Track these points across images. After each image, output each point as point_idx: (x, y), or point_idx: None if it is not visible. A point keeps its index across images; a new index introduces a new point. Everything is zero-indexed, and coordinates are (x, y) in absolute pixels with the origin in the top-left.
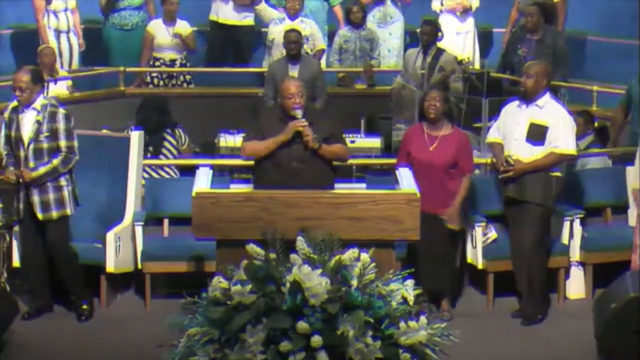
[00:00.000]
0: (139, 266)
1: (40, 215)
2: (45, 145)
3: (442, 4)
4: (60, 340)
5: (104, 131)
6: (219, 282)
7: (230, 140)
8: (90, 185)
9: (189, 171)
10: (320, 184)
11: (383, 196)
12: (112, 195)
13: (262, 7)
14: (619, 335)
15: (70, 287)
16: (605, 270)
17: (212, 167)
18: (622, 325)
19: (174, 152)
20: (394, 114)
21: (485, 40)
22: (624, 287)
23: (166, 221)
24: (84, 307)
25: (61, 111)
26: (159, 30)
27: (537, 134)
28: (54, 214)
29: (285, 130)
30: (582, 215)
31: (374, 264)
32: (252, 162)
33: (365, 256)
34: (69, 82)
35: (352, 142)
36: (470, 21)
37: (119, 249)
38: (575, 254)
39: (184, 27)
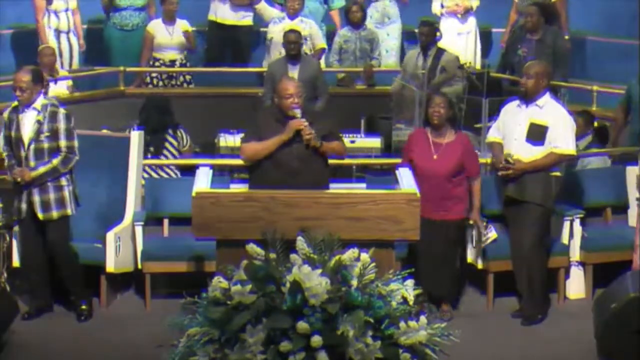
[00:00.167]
0: (139, 266)
1: (40, 215)
2: (45, 145)
3: (442, 7)
4: (60, 340)
5: (104, 131)
6: (219, 282)
7: (230, 140)
8: (90, 185)
9: (189, 171)
10: (318, 184)
11: (383, 196)
12: (112, 195)
13: (262, 6)
14: (619, 335)
15: (70, 287)
16: (605, 270)
17: (212, 167)
18: (622, 325)
19: (175, 152)
20: (394, 114)
21: (485, 40)
22: (624, 287)
23: (166, 221)
24: (83, 307)
25: (62, 111)
26: (159, 30)
27: (537, 134)
28: (55, 213)
29: (286, 130)
30: (582, 215)
31: (374, 264)
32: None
33: (365, 256)
34: (69, 82)
35: (352, 142)
36: (472, 21)
37: (119, 249)
38: (575, 254)
39: (184, 26)
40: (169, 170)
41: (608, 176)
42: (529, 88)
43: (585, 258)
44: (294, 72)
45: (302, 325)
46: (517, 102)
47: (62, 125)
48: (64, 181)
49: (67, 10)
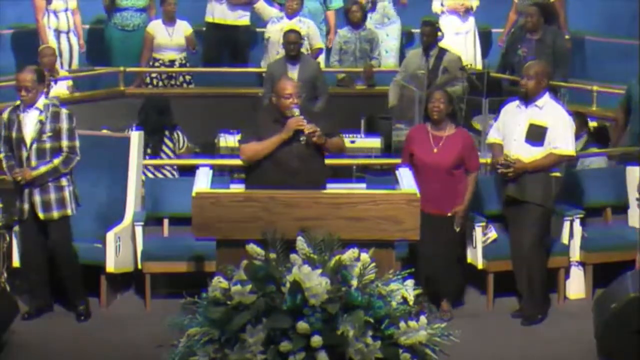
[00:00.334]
0: (139, 266)
1: (41, 215)
2: (47, 145)
3: (442, 5)
4: (60, 340)
5: (104, 131)
6: (219, 282)
7: (230, 140)
8: (90, 185)
9: (188, 171)
10: (316, 184)
11: (383, 196)
12: (112, 195)
13: (261, 5)
14: (619, 335)
15: (69, 287)
16: (605, 270)
17: (212, 167)
18: (622, 325)
19: (171, 154)
20: (393, 115)
21: (484, 40)
22: (624, 287)
23: (166, 221)
24: (82, 307)
25: (64, 111)
26: (159, 31)
27: (536, 134)
28: (55, 214)
29: (285, 129)
30: (582, 215)
31: (374, 264)
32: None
33: (365, 256)
34: (70, 82)
35: (352, 142)
36: (471, 21)
37: (119, 249)
38: (575, 254)
39: (184, 27)
40: (165, 172)
41: (608, 176)
42: (530, 89)
43: (585, 258)
44: (293, 72)
45: (302, 325)
46: (516, 102)
47: (64, 125)
48: (64, 181)
49: (66, 10)
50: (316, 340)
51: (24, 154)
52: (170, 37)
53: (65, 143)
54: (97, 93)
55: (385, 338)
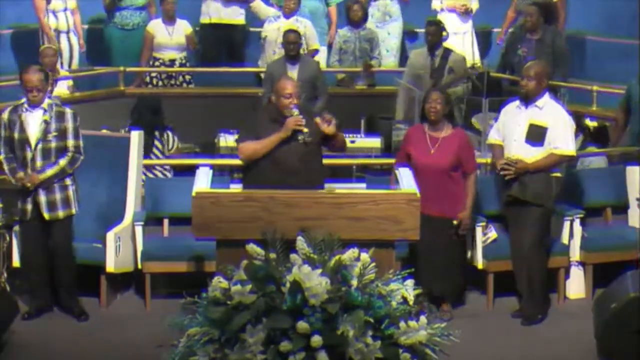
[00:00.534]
0: (139, 266)
1: (47, 215)
2: (53, 145)
3: (442, 2)
4: (60, 340)
5: (104, 131)
6: (219, 282)
7: (230, 140)
8: (90, 185)
9: (183, 171)
10: (315, 183)
11: (383, 196)
12: (112, 195)
13: (257, 4)
14: (619, 335)
15: (65, 287)
16: (605, 270)
17: (212, 167)
18: (622, 325)
19: (159, 154)
20: (396, 116)
21: (484, 40)
22: (624, 287)
23: (166, 221)
24: (77, 308)
25: (69, 111)
26: (159, 30)
27: (536, 134)
28: (61, 213)
29: (283, 128)
30: (582, 215)
31: (374, 264)
32: None
33: (365, 256)
34: (70, 82)
35: (352, 142)
36: (469, 22)
37: (119, 249)
38: (575, 254)
39: (184, 26)
40: (156, 172)
41: (608, 176)
42: (530, 90)
43: (585, 258)
44: (293, 72)
45: (302, 325)
46: (516, 102)
47: (70, 124)
48: (68, 181)
49: (65, 10)
50: (316, 340)
51: (29, 154)
52: (171, 37)
53: (71, 142)
54: (97, 93)
55: (385, 338)
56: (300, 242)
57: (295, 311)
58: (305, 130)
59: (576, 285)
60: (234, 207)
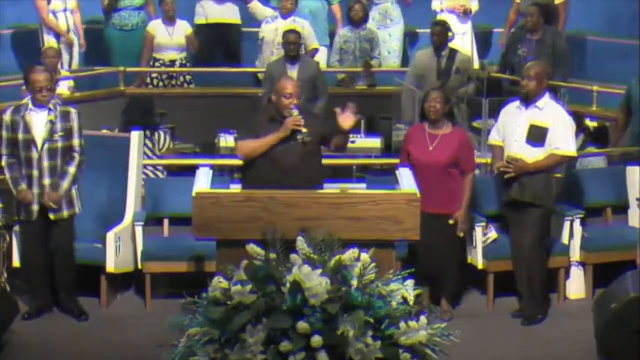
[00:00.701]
0: (139, 266)
1: (52, 216)
2: (59, 144)
3: (441, 3)
4: (60, 340)
5: (104, 131)
6: (219, 282)
7: (230, 140)
8: (90, 185)
9: (176, 172)
10: (313, 183)
11: (383, 196)
12: (112, 195)
13: (255, 5)
14: (619, 335)
15: (65, 287)
16: (605, 270)
17: (212, 167)
18: (622, 325)
19: (150, 154)
20: (402, 116)
21: (484, 40)
22: (624, 287)
23: (166, 221)
24: (76, 307)
25: (73, 110)
26: (159, 31)
27: (537, 135)
28: (65, 213)
29: (282, 128)
30: (582, 215)
31: (374, 264)
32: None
33: (365, 256)
34: (71, 83)
35: (352, 142)
36: (469, 23)
37: (119, 249)
38: (575, 254)
39: (184, 27)
40: (147, 172)
41: (608, 176)
42: (530, 90)
43: (585, 258)
44: (292, 72)
45: (302, 325)
46: (516, 103)
47: (75, 124)
48: None
49: (65, 10)
50: (316, 340)
51: (35, 155)
52: (171, 37)
53: (76, 142)
54: (97, 93)
55: (385, 338)
56: (300, 242)
57: (295, 311)
58: (304, 130)
59: (576, 285)
60: (234, 207)
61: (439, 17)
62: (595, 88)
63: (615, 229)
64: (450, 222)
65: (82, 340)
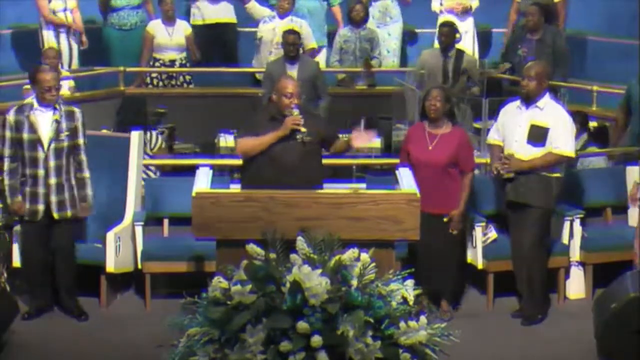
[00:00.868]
0: (139, 266)
1: (56, 215)
2: (65, 144)
3: (441, 4)
4: (60, 340)
5: (104, 131)
6: (219, 282)
7: (230, 140)
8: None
9: (170, 172)
10: (313, 182)
11: (383, 196)
12: (112, 195)
13: (252, 5)
14: (619, 335)
15: (65, 287)
16: (605, 270)
17: (212, 167)
18: (622, 325)
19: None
20: (408, 117)
21: (484, 40)
22: (624, 287)
23: (166, 221)
24: (76, 307)
25: (77, 110)
26: (159, 31)
27: (538, 135)
28: (69, 212)
29: (282, 127)
30: (582, 215)
31: (374, 264)
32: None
33: (365, 256)
34: (71, 83)
35: None
36: (470, 21)
37: (119, 249)
38: (575, 254)
39: (184, 27)
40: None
41: (608, 176)
42: (531, 90)
43: (585, 258)
44: (292, 72)
45: (302, 325)
46: (516, 103)
47: (80, 123)
48: (74, 180)
49: (65, 10)
50: (316, 340)
51: (41, 154)
52: (170, 37)
53: (81, 141)
54: (97, 93)
55: (385, 338)
56: (300, 242)
57: (295, 311)
58: (303, 129)
59: (576, 285)
60: (234, 207)
61: (442, 18)
62: (595, 88)
63: (615, 229)
64: (445, 220)
65: (82, 340)
